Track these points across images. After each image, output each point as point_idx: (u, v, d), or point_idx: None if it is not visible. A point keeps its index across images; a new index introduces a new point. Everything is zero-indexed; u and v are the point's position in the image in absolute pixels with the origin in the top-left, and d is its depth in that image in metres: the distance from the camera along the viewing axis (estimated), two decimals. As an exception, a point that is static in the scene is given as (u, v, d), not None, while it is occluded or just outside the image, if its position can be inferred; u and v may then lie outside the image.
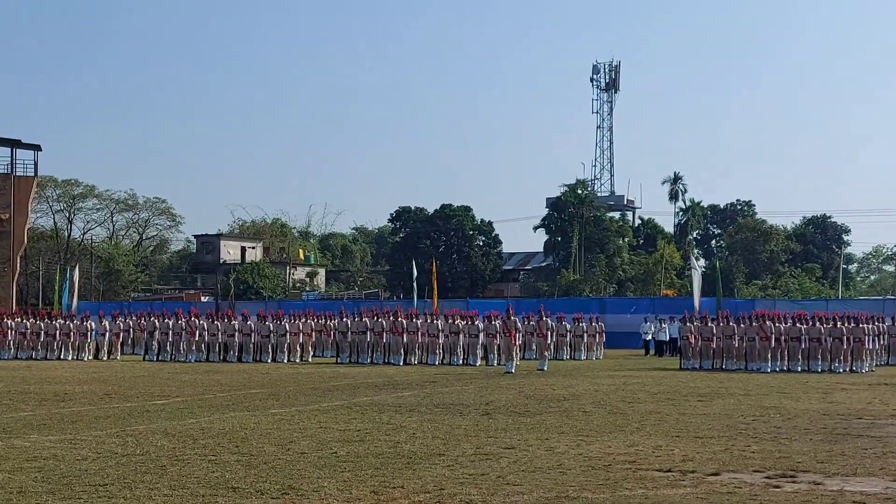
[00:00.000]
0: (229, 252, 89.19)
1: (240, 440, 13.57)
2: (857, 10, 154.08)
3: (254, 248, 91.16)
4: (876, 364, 31.75)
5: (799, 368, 30.15)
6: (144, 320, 39.19)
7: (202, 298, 72.18)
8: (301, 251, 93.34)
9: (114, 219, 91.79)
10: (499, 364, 31.80)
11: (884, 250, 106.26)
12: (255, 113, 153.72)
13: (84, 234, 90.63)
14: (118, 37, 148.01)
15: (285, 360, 34.65)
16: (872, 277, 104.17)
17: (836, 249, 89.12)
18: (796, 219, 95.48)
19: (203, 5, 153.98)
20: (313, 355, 36.51)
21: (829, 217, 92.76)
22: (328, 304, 56.37)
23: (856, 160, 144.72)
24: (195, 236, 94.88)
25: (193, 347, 35.69)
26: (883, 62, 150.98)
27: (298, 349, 35.65)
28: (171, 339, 36.37)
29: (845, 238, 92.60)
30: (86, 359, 36.67)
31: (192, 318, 36.19)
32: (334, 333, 36.98)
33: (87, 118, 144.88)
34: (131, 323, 40.59)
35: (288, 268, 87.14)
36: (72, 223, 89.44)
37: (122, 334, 39.36)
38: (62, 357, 36.71)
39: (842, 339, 30.11)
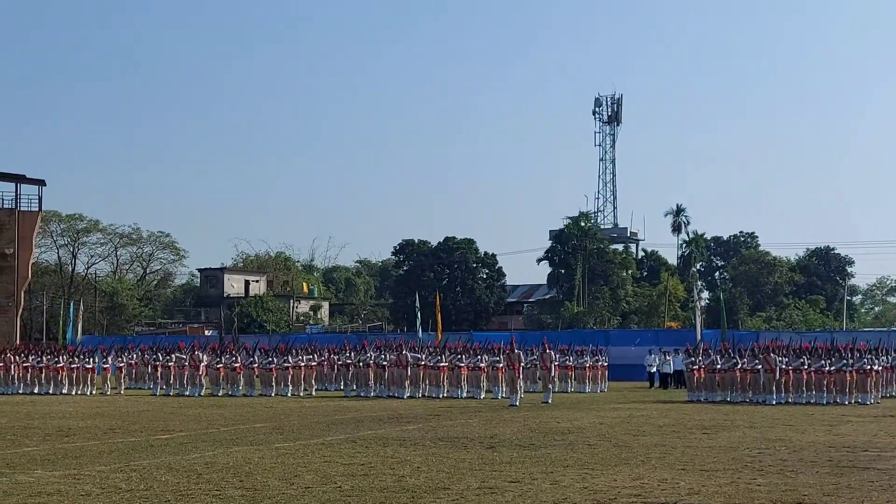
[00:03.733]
0: (233, 286, 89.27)
1: (244, 475, 13.54)
2: (861, 40, 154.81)
3: (257, 281, 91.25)
4: (882, 396, 31.63)
5: (804, 400, 30.04)
6: (148, 355, 39.12)
7: (206, 332, 72.15)
8: (305, 284, 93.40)
9: (118, 253, 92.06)
10: (503, 397, 31.73)
11: (888, 281, 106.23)
12: (259, 147, 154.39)
13: (88, 268, 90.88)
14: (122, 72, 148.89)
15: (289, 394, 34.58)
16: (877, 309, 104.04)
17: (840, 281, 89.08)
18: (800, 250, 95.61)
19: (208, 46, 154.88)
20: (317, 389, 36.45)
21: (833, 248, 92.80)
22: (332, 337, 56.32)
23: (859, 191, 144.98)
24: (199, 270, 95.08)
25: (197, 381, 35.65)
26: (886, 94, 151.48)
27: (302, 383, 35.58)
28: (175, 373, 36.34)
29: (849, 269, 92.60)
30: (90, 393, 36.60)
31: (196, 352, 36.16)
32: (338, 367, 36.94)
33: (91, 153, 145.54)
34: (135, 357, 40.52)
35: (291, 301, 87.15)
36: (76, 258, 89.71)
37: (126, 368, 39.28)
38: (66, 392, 36.63)
39: (847, 370, 30.01)
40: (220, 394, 35.29)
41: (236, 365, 35.69)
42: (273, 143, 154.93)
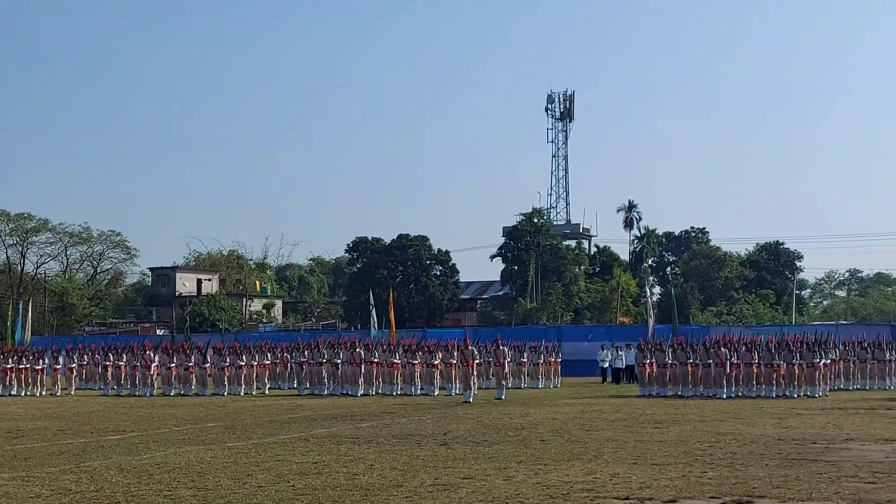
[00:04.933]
0: (185, 284, 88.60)
1: (196, 475, 13.47)
2: (808, 38, 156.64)
3: (210, 280, 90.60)
4: (829, 388, 32.06)
5: (754, 394, 30.38)
6: (99, 355, 38.76)
7: (158, 332, 71.56)
8: (258, 283, 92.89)
9: (67, 252, 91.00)
10: (457, 393, 31.80)
11: (835, 276, 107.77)
12: (211, 144, 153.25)
13: (37, 268, 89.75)
14: (71, 70, 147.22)
15: (242, 393, 34.43)
16: (825, 303, 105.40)
17: (789, 275, 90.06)
18: (750, 245, 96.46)
19: (158, 40, 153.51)
20: (270, 387, 36.31)
21: (782, 243, 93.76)
22: (285, 335, 56.11)
23: (808, 187, 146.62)
24: (150, 269, 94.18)
25: (149, 381, 35.39)
26: (833, 90, 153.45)
27: (255, 381, 35.44)
28: (126, 373, 36.06)
29: (798, 264, 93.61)
30: (39, 394, 36.19)
31: (147, 352, 35.90)
32: (291, 365, 36.85)
33: (39, 151, 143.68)
34: (86, 357, 40.14)
35: (244, 299, 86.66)
36: (25, 257, 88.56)
37: (76, 369, 38.89)
38: (15, 393, 36.18)
39: (795, 364, 30.40)
40: (172, 393, 35.05)
41: (189, 364, 35.48)
42: (225, 141, 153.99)
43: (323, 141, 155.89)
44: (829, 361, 32.20)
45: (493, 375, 34.30)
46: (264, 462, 14.77)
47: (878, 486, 12.08)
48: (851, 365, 35.24)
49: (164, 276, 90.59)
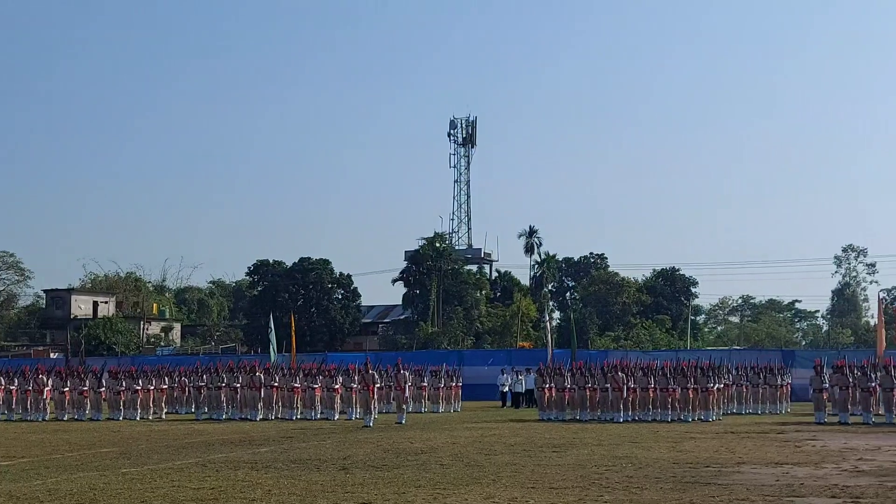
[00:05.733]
0: (80, 307, 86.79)
1: (88, 501, 13.23)
2: (711, 64, 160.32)
3: (106, 302, 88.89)
4: (723, 413, 32.71)
5: (650, 418, 30.87)
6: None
7: (52, 355, 69.94)
8: (155, 305, 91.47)
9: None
10: (357, 418, 31.71)
11: (729, 302, 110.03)
12: (109, 164, 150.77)
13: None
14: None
15: (138, 418, 33.83)
16: (719, 328, 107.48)
17: (685, 301, 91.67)
18: (647, 271, 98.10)
19: (45, 56, 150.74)
20: (167, 412, 35.74)
21: (678, 270, 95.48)
22: (184, 359, 55.30)
23: (702, 214, 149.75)
24: (45, 291, 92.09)
25: (42, 406, 34.55)
26: (731, 117, 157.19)
27: (152, 406, 34.85)
28: (17, 397, 35.15)
29: (693, 290, 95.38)
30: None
31: (40, 376, 35.05)
32: (189, 389, 36.34)
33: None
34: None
35: (142, 322, 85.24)
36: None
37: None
38: None
39: (690, 388, 30.97)
40: (65, 418, 34.27)
41: (83, 388, 34.75)
42: (123, 161, 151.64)
43: (223, 162, 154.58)
44: (722, 386, 32.88)
45: (393, 400, 34.24)
46: (159, 488, 14.55)
47: (767, 508, 12.38)
48: (744, 389, 35.98)
49: (58, 298, 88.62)
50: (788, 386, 37.51)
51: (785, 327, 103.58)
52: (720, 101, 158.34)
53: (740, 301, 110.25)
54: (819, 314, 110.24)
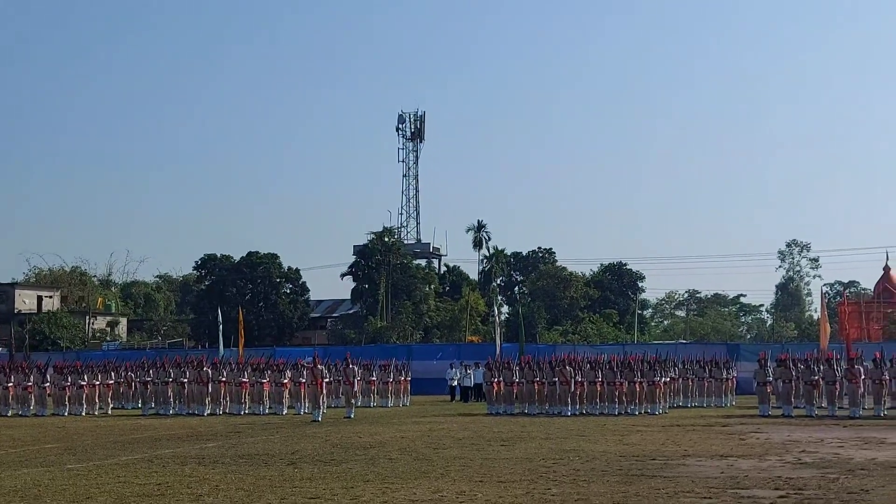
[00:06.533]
0: (24, 301, 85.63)
1: (32, 498, 13.10)
2: (652, 59, 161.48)
3: (51, 297, 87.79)
4: (669, 406, 33.03)
5: (597, 411, 31.10)
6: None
7: (-6, 350, 68.95)
8: (101, 300, 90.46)
9: None
10: (305, 412, 31.63)
11: (675, 296, 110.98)
12: (53, 157, 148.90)
13: None
14: None
15: (83, 413, 33.50)
16: (665, 322, 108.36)
17: (632, 295, 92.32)
18: (594, 266, 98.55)
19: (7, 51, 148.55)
20: (113, 407, 35.41)
21: (625, 264, 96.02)
22: (130, 353, 54.82)
23: (649, 209, 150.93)
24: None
25: (-16, 402, 34.13)
26: (677, 113, 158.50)
27: (97, 401, 34.52)
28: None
29: (640, 284, 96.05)
30: None
31: (-17, 371, 34.62)
32: (135, 384, 36.05)
33: None
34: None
35: (87, 317, 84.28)
36: None
37: None
38: None
39: (637, 382, 31.24)
40: (9, 414, 33.88)
41: (27, 384, 34.37)
42: (67, 153, 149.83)
43: (171, 155, 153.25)
44: (668, 379, 33.22)
45: (342, 394, 34.22)
46: (105, 484, 14.44)
47: (713, 500, 12.55)
48: (690, 383, 36.33)
49: (2, 292, 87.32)
50: (733, 379, 37.98)
51: (730, 321, 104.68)
52: (665, 92, 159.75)
53: (686, 295, 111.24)
54: (763, 308, 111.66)
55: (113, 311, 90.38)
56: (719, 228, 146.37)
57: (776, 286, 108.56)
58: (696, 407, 35.17)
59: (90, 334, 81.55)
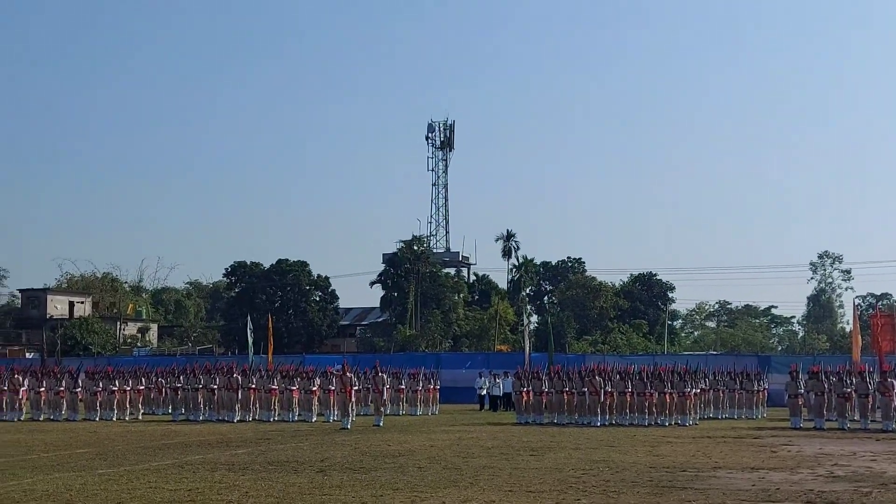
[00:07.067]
0: (56, 307, 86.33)
1: (64, 502, 13.18)
2: (684, 73, 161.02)
3: (83, 302, 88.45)
4: (699, 417, 32.85)
5: (627, 422, 30.96)
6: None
7: (27, 355, 69.54)
8: (132, 306, 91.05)
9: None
10: (334, 420, 31.67)
11: (706, 307, 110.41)
12: (85, 164, 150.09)
13: None
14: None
15: (114, 418, 33.68)
16: (696, 333, 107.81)
17: (662, 306, 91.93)
18: (624, 276, 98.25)
19: (23, 57, 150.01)
20: (144, 412, 35.60)
21: (655, 275, 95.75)
22: (160, 359, 55.11)
23: (680, 219, 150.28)
24: (20, 290, 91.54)
25: (17, 406, 34.35)
26: (709, 126, 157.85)
27: (128, 407, 34.70)
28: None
29: (670, 295, 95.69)
30: None
31: (16, 376, 34.85)
32: (166, 390, 36.20)
33: None
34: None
35: (118, 323, 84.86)
36: None
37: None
38: None
39: (667, 393, 31.08)
40: (41, 418, 34.09)
41: (59, 389, 34.58)
42: (100, 160, 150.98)
43: (202, 163, 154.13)
44: (699, 391, 33.02)
45: (371, 402, 34.20)
46: (136, 489, 14.51)
47: (743, 512, 12.46)
48: (720, 394, 36.12)
49: (34, 298, 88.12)
50: (765, 391, 37.72)
51: (761, 333, 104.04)
52: (697, 103, 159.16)
53: (717, 306, 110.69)
54: (795, 320, 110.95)
55: (144, 317, 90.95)
56: (751, 239, 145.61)
57: (808, 298, 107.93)
58: (727, 419, 34.94)
59: (121, 340, 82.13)
